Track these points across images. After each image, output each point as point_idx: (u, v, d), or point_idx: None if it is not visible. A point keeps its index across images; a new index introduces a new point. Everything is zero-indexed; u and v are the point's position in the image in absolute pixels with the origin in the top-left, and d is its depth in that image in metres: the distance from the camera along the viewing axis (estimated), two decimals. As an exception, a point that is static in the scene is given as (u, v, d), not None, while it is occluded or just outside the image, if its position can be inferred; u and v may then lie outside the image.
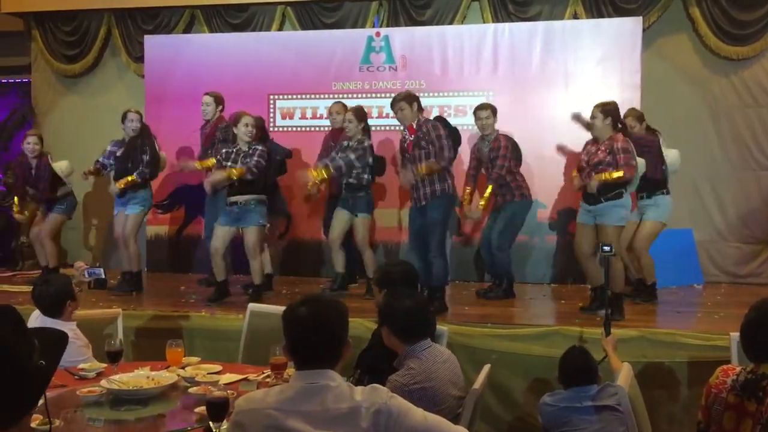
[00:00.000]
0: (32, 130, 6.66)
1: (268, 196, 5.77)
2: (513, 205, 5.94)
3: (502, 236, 5.92)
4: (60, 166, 6.54)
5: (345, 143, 5.86)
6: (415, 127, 5.38)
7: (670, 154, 5.85)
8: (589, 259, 5.32)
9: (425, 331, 2.99)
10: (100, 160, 6.15)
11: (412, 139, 5.39)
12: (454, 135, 5.59)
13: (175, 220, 7.48)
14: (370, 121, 6.84)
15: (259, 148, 5.60)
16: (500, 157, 5.85)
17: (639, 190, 5.70)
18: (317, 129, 6.97)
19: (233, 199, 5.60)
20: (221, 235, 5.64)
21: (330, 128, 6.48)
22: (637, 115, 5.82)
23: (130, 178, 5.95)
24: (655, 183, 5.70)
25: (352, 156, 5.74)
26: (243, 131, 5.59)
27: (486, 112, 5.91)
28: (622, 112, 5.47)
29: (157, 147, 6.16)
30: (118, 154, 6.09)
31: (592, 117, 5.27)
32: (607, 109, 5.24)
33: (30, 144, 6.46)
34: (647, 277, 5.80)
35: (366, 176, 5.86)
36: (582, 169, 5.28)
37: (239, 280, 6.28)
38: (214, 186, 5.71)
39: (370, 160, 5.87)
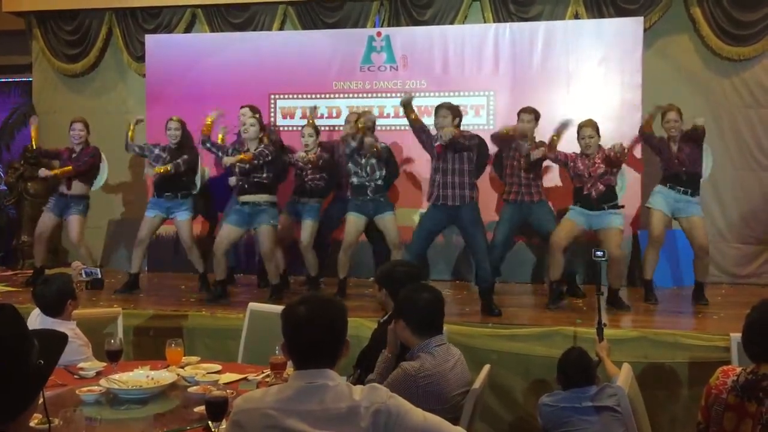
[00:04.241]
0: (77, 117, 6.57)
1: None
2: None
3: None
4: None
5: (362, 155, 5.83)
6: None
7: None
8: (561, 252, 5.58)
9: (439, 326, 2.99)
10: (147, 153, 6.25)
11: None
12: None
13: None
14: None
15: (264, 145, 5.69)
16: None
17: (681, 186, 5.78)
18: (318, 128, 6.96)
19: (245, 198, 5.68)
20: (228, 233, 5.72)
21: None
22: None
23: (163, 169, 5.99)
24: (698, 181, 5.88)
25: (374, 161, 5.81)
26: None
27: (528, 115, 5.94)
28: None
29: (198, 156, 6.31)
30: (165, 158, 6.16)
31: (590, 137, 5.61)
32: (597, 126, 5.65)
33: (75, 131, 6.45)
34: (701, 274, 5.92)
35: (386, 180, 5.96)
36: (585, 180, 5.59)
37: (242, 280, 6.30)
38: (226, 165, 5.76)
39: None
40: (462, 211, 5.35)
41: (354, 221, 5.91)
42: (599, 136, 5.65)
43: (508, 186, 6.06)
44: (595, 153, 5.62)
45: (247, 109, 5.76)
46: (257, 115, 5.79)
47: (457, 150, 5.31)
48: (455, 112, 5.37)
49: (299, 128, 6.56)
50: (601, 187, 5.57)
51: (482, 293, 5.39)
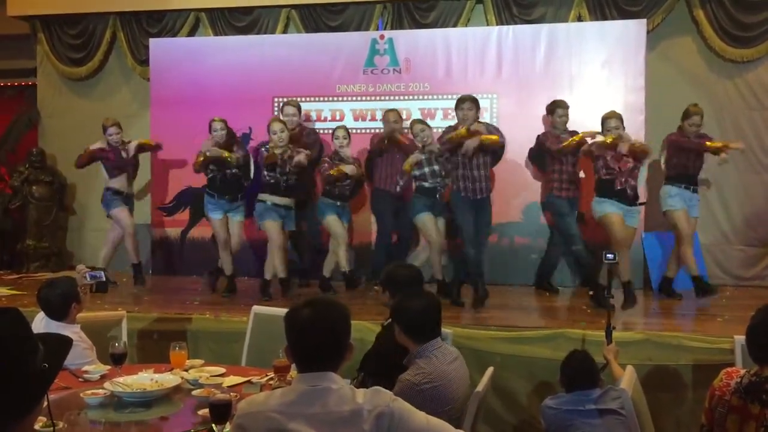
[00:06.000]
0: (109, 119, 6.67)
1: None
2: None
3: None
4: None
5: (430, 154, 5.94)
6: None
7: None
8: (627, 252, 5.63)
9: (435, 331, 3.01)
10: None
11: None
12: None
13: (181, 222, 7.49)
14: (373, 124, 6.91)
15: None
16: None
17: (692, 184, 5.93)
18: (321, 131, 6.96)
19: (277, 200, 5.92)
20: (279, 229, 5.94)
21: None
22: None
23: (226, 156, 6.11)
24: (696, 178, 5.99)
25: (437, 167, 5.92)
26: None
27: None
28: (626, 116, 5.85)
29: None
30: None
31: (615, 128, 5.60)
32: (622, 117, 5.67)
33: (113, 135, 6.58)
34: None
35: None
36: (616, 174, 5.55)
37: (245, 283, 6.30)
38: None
39: None
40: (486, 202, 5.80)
41: (434, 220, 5.92)
42: (624, 127, 5.66)
43: (558, 183, 6.05)
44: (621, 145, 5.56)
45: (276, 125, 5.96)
46: (285, 126, 6.01)
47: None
48: (477, 104, 5.68)
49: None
50: (632, 182, 5.60)
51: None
